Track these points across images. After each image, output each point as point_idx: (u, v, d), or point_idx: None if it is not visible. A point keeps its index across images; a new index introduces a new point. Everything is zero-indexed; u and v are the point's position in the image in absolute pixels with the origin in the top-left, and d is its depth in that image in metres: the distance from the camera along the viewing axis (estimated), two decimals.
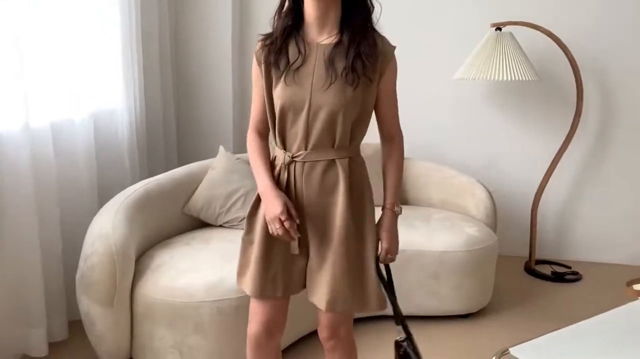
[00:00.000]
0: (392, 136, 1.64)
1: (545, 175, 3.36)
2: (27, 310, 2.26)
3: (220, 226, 2.75)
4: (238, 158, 2.87)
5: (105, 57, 2.75)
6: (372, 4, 1.55)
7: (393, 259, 1.65)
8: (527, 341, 1.77)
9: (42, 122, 2.28)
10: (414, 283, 2.67)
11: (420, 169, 3.22)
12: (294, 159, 1.54)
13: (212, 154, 2.95)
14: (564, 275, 3.33)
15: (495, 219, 3.03)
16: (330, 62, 1.48)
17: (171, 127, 3.37)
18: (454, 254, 2.65)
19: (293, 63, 1.50)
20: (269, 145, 1.66)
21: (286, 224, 1.50)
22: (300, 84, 1.50)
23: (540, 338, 1.80)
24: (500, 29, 3.14)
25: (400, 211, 1.62)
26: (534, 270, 3.39)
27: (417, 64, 3.46)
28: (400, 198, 1.66)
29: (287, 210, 1.51)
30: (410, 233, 2.70)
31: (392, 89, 1.60)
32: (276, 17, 1.55)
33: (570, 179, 3.55)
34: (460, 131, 3.57)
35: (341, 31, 1.51)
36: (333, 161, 1.54)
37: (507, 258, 3.45)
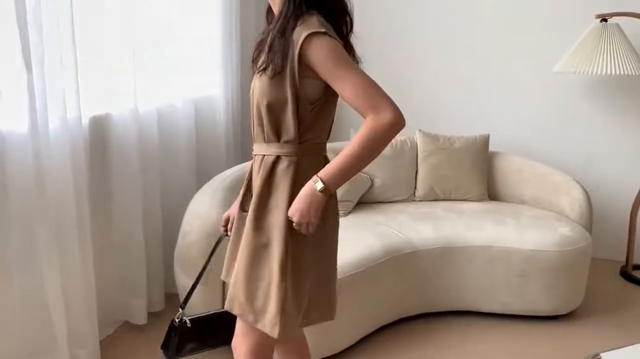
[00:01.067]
0: (364, 115, 1.36)
1: None
2: (132, 281, 2.45)
3: None
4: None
5: (207, 47, 2.90)
6: None
7: (300, 227, 1.37)
8: (619, 347, 1.70)
9: (149, 106, 2.44)
10: (501, 280, 2.61)
11: (513, 164, 3.13)
12: (253, 151, 1.52)
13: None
14: None
15: (590, 219, 2.90)
16: (257, 54, 1.50)
17: None
18: (544, 254, 2.56)
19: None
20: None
21: (222, 228, 1.73)
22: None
23: (634, 345, 1.72)
24: (605, 20, 2.97)
25: (320, 185, 1.34)
26: (631, 275, 3.21)
27: (516, 56, 3.37)
28: (340, 179, 1.36)
29: (227, 221, 1.71)
30: (500, 229, 2.65)
31: (331, 73, 1.35)
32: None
33: None
34: (558, 127, 3.42)
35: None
36: (263, 157, 1.45)
37: (602, 261, 3.30)
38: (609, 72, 2.86)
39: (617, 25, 2.95)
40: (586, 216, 2.88)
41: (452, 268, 2.61)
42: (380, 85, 1.36)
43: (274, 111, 1.41)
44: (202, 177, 2.83)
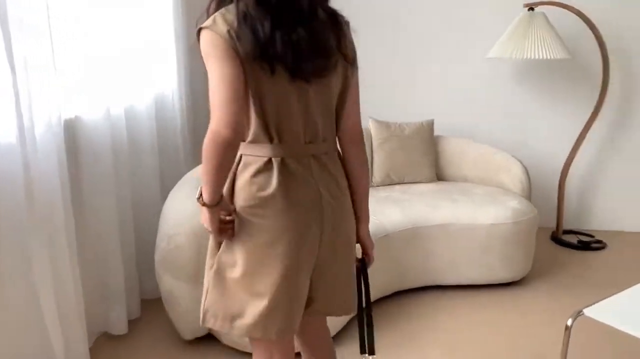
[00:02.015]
0: None
1: (572, 149, 3.51)
2: (109, 288, 2.35)
3: None
4: None
5: (157, 41, 2.80)
6: None
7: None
8: (593, 304, 1.91)
9: (119, 109, 2.34)
10: (464, 255, 2.81)
11: (457, 147, 3.35)
12: None
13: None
14: (589, 244, 3.51)
15: (530, 193, 3.19)
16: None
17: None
18: (503, 227, 2.79)
19: None
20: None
21: None
22: None
23: (608, 299, 1.95)
24: (532, 9, 3.25)
25: (198, 193, 1.35)
26: (562, 239, 3.57)
27: (452, 44, 3.60)
28: (204, 187, 1.32)
29: None
30: (456, 207, 2.84)
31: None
32: None
33: (594, 153, 3.72)
34: (494, 109, 3.70)
35: None
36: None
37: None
38: (537, 56, 3.14)
39: (543, 13, 3.24)
40: (527, 189, 3.15)
41: (420, 247, 2.77)
42: None
43: None
44: (165, 179, 2.76)
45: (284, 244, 1.34)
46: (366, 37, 3.63)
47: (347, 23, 1.42)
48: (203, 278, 1.50)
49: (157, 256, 2.29)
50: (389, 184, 3.23)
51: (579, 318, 1.87)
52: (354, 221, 1.53)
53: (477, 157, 3.32)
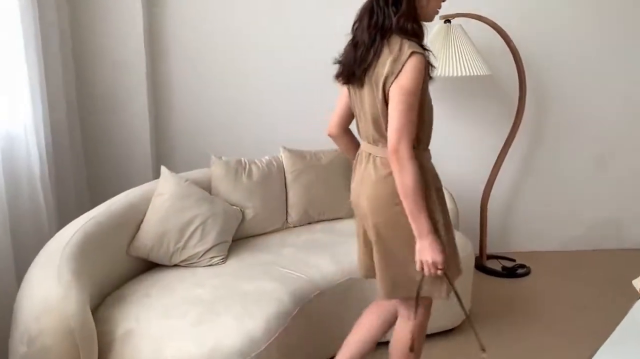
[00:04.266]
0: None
1: (493, 170, 3.30)
2: None
3: (176, 265, 2.25)
4: (187, 179, 2.38)
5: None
6: None
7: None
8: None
9: None
10: None
11: None
12: None
13: (125, 180, 2.42)
14: (514, 270, 3.32)
15: (457, 221, 2.89)
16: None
17: (78, 151, 2.75)
18: None
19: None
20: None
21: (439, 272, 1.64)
22: None
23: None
24: (449, 22, 2.98)
25: None
26: (486, 267, 3.34)
27: None
28: None
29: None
30: None
31: None
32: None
33: (514, 173, 3.55)
34: None
35: None
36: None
37: None
38: (457, 74, 2.86)
39: (461, 26, 2.98)
40: (455, 218, 2.86)
41: (356, 301, 2.32)
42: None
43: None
44: (20, 253, 2.04)
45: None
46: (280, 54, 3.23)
47: None
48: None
49: None
50: (308, 224, 2.75)
51: None
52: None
53: None
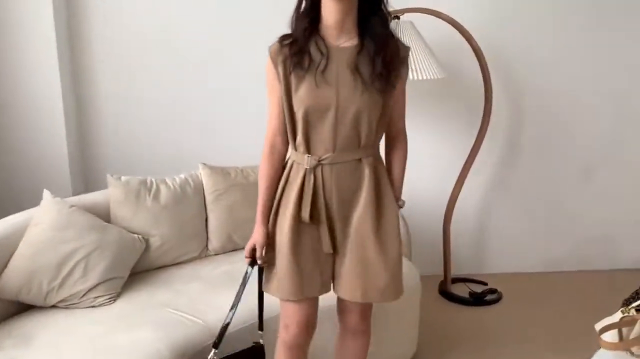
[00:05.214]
0: (398, 134, 1.69)
1: (456, 184, 2.93)
2: None
3: (54, 306, 1.94)
4: (73, 206, 2.06)
5: None
6: (387, 8, 1.55)
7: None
8: None
9: None
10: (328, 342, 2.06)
11: None
12: (321, 162, 1.55)
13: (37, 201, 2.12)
14: (482, 296, 2.94)
15: (409, 246, 2.53)
16: (355, 67, 1.50)
17: None
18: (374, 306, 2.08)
19: (318, 65, 1.50)
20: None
21: (258, 255, 1.63)
22: (326, 86, 1.50)
23: None
24: (398, 18, 2.62)
25: (403, 203, 1.73)
26: (451, 293, 2.98)
27: None
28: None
29: (253, 251, 1.64)
30: None
31: (404, 89, 1.64)
32: (294, 18, 1.53)
33: (481, 188, 3.17)
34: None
35: (361, 35, 1.53)
36: (359, 160, 1.58)
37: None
38: (409, 77, 2.51)
39: (411, 23, 2.61)
40: (406, 243, 2.50)
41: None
42: None
43: (376, 119, 1.56)
44: None
45: None
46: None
47: None
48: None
49: None
50: (232, 251, 2.42)
51: None
52: None
53: None
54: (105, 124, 2.91)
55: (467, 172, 2.91)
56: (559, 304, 2.91)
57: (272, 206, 1.63)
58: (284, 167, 1.64)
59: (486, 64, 2.74)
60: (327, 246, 1.60)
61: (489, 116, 2.83)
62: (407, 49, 1.60)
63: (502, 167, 3.16)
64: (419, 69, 2.52)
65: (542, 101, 3.07)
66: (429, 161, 3.08)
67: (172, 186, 2.30)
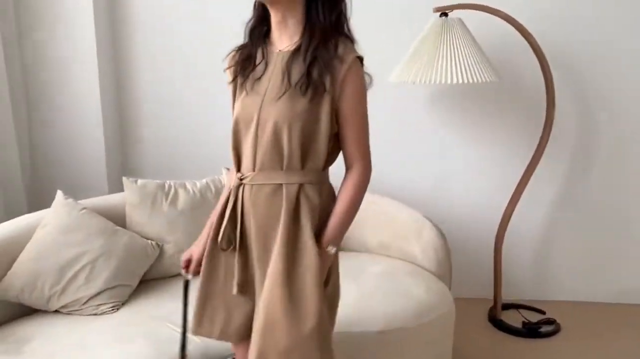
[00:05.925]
0: (351, 162, 1.36)
1: (511, 200, 2.63)
2: None
3: (57, 311, 1.88)
4: (84, 209, 1.99)
5: None
6: (343, 3, 1.35)
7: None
8: None
9: None
10: None
11: None
12: (242, 181, 1.36)
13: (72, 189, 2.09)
14: (538, 327, 2.62)
15: (449, 266, 2.29)
16: (286, 71, 1.30)
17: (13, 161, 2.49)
18: (397, 334, 1.86)
19: (253, 72, 1.36)
20: None
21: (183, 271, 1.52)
22: (254, 95, 1.34)
23: None
24: (446, 15, 2.38)
25: (333, 251, 1.34)
26: (501, 322, 2.67)
27: None
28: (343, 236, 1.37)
29: (188, 262, 1.52)
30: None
31: (353, 107, 1.31)
32: (247, 24, 1.41)
33: (541, 204, 2.83)
34: (400, 148, 2.79)
35: (303, 36, 1.33)
36: (280, 186, 1.32)
37: (466, 302, 2.71)
38: (452, 80, 2.26)
39: (460, 20, 2.36)
40: (444, 263, 2.26)
41: None
42: None
43: (301, 136, 1.29)
44: None
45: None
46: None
47: None
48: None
49: None
50: None
51: None
52: None
53: (378, 216, 2.41)
54: (143, 125, 2.88)
55: (524, 187, 2.60)
56: (627, 340, 2.54)
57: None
58: None
59: (548, 66, 2.43)
60: (235, 283, 1.37)
61: (550, 124, 2.51)
62: (352, 53, 1.30)
63: (566, 182, 2.81)
64: (469, 70, 2.27)
65: (613, 107, 2.70)
66: (480, 173, 2.80)
67: (191, 191, 2.19)
